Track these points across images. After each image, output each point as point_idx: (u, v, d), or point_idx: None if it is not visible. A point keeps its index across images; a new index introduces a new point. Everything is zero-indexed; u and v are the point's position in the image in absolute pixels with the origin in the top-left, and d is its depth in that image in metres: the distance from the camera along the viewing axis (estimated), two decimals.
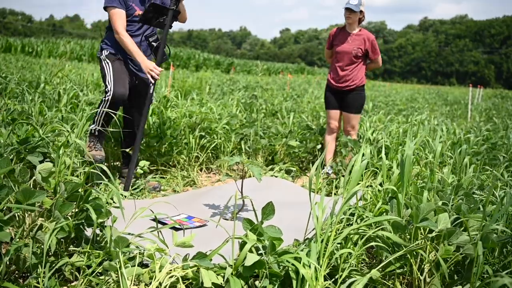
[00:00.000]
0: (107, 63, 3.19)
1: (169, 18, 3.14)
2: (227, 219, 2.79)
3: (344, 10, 4.02)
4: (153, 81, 3.16)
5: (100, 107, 3.11)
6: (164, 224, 2.47)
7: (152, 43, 3.23)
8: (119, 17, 3.11)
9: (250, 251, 1.72)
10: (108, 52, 3.23)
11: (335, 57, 4.14)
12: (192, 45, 60.48)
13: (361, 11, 4.02)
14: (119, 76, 3.14)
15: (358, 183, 2.09)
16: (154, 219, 1.96)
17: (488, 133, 5.14)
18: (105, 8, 3.14)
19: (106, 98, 3.08)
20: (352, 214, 2.17)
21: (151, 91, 3.19)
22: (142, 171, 3.43)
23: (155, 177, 3.61)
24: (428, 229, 1.91)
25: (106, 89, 3.10)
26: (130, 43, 3.12)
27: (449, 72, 61.66)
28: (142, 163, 3.45)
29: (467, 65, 61.18)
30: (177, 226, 2.37)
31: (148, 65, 3.12)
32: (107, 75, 3.14)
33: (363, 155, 2.23)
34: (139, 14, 3.16)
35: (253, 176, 3.50)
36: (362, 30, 4.10)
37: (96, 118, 3.12)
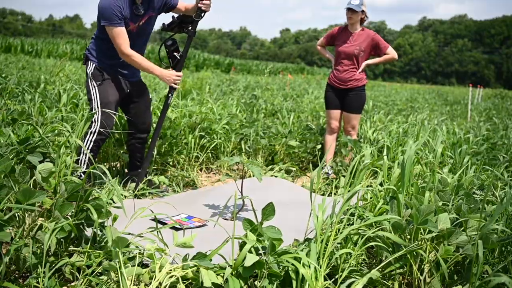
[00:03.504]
0: (94, 86, 3.00)
1: (194, 28, 3.10)
2: (227, 219, 2.79)
3: (346, 10, 4.03)
4: (173, 90, 3.12)
5: (86, 140, 2.91)
6: (164, 224, 2.47)
7: (174, 53, 3.11)
8: (123, 36, 2.90)
9: (250, 251, 1.72)
10: (93, 66, 3.03)
11: (337, 57, 4.15)
12: (192, 45, 60.36)
13: (363, 11, 4.02)
14: (106, 102, 2.96)
15: (359, 183, 2.09)
16: (154, 219, 1.96)
17: (488, 133, 5.14)
18: (104, 27, 2.90)
19: (94, 130, 2.93)
20: (352, 214, 2.17)
21: (169, 101, 3.16)
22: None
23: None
24: (428, 229, 1.91)
25: (93, 118, 2.93)
26: (142, 61, 2.97)
27: (449, 72, 61.66)
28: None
29: (467, 65, 61.20)
30: (177, 226, 2.37)
31: (167, 74, 3.04)
32: (93, 101, 2.98)
33: (363, 155, 2.24)
34: (133, 29, 3.00)
35: (253, 176, 3.50)
36: (364, 30, 4.10)
37: (82, 156, 2.89)
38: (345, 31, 4.14)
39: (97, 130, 2.93)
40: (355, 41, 4.06)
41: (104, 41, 3.00)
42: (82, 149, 2.88)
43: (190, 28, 3.10)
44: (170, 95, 3.15)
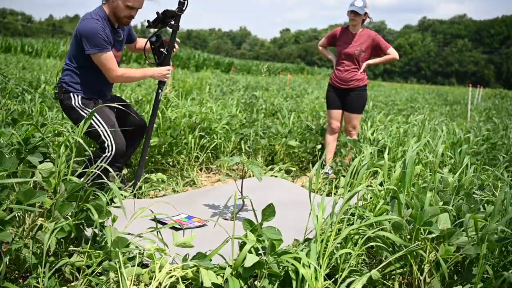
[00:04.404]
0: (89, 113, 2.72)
1: (177, 22, 3.09)
2: (227, 219, 2.79)
3: (349, 12, 4.03)
4: (163, 84, 3.13)
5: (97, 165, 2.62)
6: (164, 224, 2.47)
7: (160, 49, 3.07)
8: (113, 59, 2.82)
9: (250, 251, 1.72)
10: (79, 97, 2.85)
11: (338, 58, 4.16)
12: (192, 45, 60.52)
13: (365, 13, 4.03)
14: (112, 124, 2.79)
15: (360, 184, 2.09)
16: (154, 219, 1.96)
17: (488, 133, 5.14)
18: (89, 55, 2.77)
19: (108, 154, 2.76)
20: (352, 214, 2.17)
21: (159, 98, 3.17)
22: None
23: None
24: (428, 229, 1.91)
25: (105, 145, 2.75)
26: (134, 73, 2.94)
27: (449, 72, 61.70)
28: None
29: (467, 65, 61.23)
30: (177, 226, 2.37)
31: (158, 71, 3.01)
32: (99, 129, 2.76)
33: (363, 156, 2.24)
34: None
35: (253, 176, 3.50)
36: (364, 30, 4.11)
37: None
38: (346, 32, 4.14)
39: (112, 154, 2.78)
40: (356, 41, 4.07)
41: (88, 71, 2.87)
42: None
43: (173, 22, 3.10)
44: (160, 90, 3.16)
